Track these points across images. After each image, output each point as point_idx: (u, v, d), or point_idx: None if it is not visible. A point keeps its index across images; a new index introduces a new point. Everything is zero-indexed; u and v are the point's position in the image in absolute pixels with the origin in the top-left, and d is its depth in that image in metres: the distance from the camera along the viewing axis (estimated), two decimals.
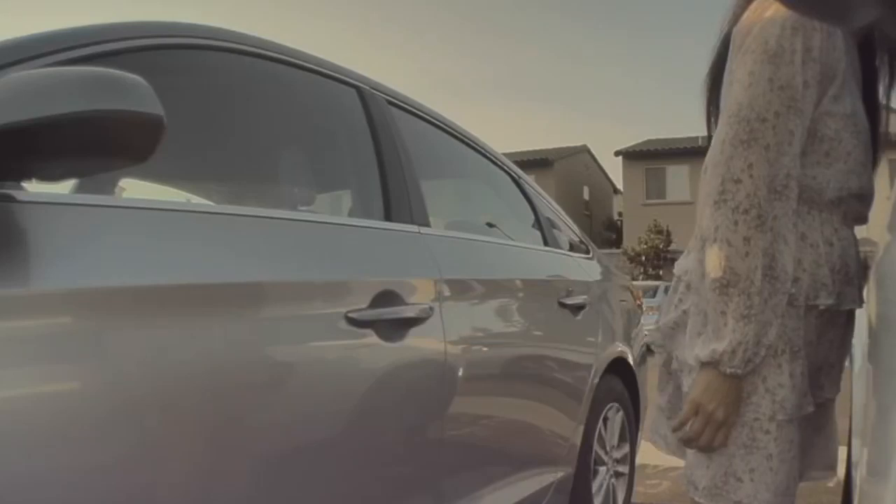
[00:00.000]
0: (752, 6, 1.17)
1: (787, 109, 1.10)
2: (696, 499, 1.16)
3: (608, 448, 2.60)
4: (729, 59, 1.19)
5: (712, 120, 1.32)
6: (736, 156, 1.09)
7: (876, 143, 1.26)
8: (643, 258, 21.62)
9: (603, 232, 27.97)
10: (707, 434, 1.11)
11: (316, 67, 1.75)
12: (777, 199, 1.11)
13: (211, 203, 1.87)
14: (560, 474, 2.25)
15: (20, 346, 0.94)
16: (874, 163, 1.26)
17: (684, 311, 1.22)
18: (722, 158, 1.11)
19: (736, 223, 1.08)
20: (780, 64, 1.10)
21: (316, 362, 1.38)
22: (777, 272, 1.10)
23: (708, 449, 1.13)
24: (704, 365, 1.11)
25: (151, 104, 0.96)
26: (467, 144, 2.39)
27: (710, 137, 1.29)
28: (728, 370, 1.09)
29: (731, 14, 1.25)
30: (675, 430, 1.16)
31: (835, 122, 1.15)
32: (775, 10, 1.10)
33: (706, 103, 1.33)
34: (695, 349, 1.13)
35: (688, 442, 1.14)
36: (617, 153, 25.45)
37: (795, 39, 1.10)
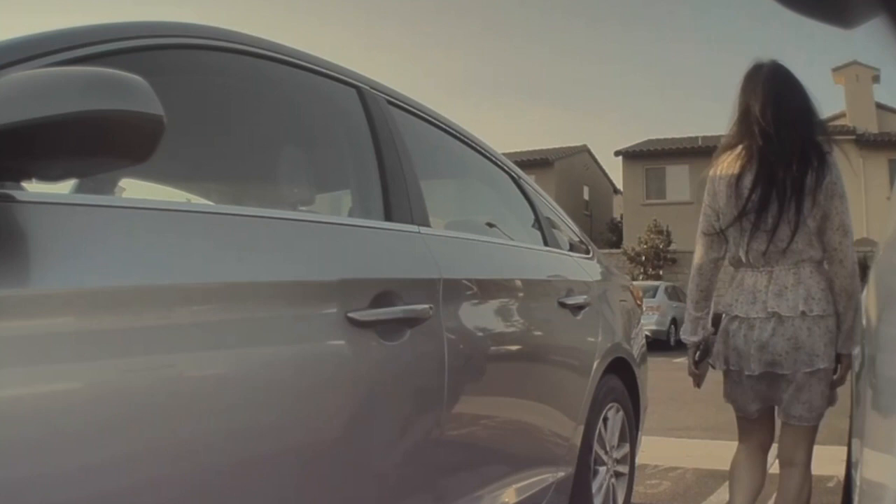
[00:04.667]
0: None
1: None
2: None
3: (608, 448, 2.60)
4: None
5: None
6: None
7: None
8: (643, 258, 21.56)
9: (605, 232, 27.93)
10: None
11: (316, 67, 1.75)
12: None
13: (211, 203, 1.87)
14: (560, 474, 2.25)
15: (20, 346, 0.94)
16: None
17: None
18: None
19: None
20: None
21: (316, 362, 1.38)
22: None
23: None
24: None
25: (151, 104, 0.96)
26: (467, 144, 2.39)
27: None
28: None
29: None
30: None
31: None
32: None
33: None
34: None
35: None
36: (617, 153, 25.43)
37: None
